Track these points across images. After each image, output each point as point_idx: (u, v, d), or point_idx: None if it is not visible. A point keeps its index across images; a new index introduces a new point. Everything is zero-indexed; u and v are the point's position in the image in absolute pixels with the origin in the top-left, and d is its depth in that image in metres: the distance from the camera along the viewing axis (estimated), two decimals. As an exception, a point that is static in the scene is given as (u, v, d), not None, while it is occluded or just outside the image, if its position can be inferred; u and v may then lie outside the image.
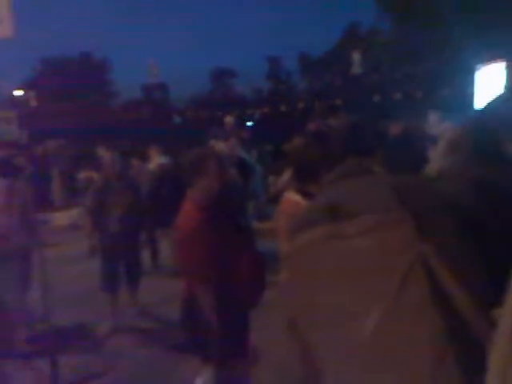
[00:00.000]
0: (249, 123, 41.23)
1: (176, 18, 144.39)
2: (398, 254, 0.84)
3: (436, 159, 1.81)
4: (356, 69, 26.24)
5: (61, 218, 9.93)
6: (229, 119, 8.37)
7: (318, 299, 0.91)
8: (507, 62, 6.28)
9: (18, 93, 37.01)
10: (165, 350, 3.98)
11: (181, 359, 3.49)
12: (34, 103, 27.92)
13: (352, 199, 0.94)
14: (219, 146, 6.69)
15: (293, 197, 2.04)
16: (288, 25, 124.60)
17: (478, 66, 7.24)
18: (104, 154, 4.41)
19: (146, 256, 5.69)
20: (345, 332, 0.86)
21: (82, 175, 9.05)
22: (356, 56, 25.88)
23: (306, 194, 1.94)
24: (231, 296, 2.26)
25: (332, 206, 0.92)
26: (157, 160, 6.61)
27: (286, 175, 3.78)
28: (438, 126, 5.92)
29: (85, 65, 46.48)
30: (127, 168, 4.74)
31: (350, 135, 1.66)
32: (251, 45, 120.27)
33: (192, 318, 2.37)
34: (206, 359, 2.39)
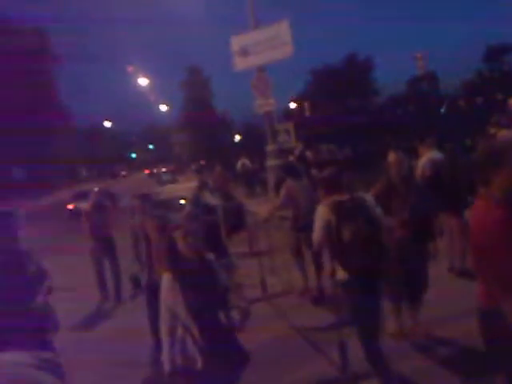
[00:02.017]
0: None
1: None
2: None
3: None
4: None
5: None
6: (513, 101, 7.19)
7: None
8: None
9: (293, 105, 41.55)
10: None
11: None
12: (307, 113, 30.70)
13: None
14: (502, 134, 5.78)
15: None
16: None
17: None
18: (391, 155, 4.02)
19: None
20: None
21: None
22: None
23: None
24: None
25: None
26: (428, 155, 6.12)
27: None
28: None
29: (350, 68, 48.40)
30: (410, 168, 4.18)
31: None
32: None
33: (494, 331, 2.04)
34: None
